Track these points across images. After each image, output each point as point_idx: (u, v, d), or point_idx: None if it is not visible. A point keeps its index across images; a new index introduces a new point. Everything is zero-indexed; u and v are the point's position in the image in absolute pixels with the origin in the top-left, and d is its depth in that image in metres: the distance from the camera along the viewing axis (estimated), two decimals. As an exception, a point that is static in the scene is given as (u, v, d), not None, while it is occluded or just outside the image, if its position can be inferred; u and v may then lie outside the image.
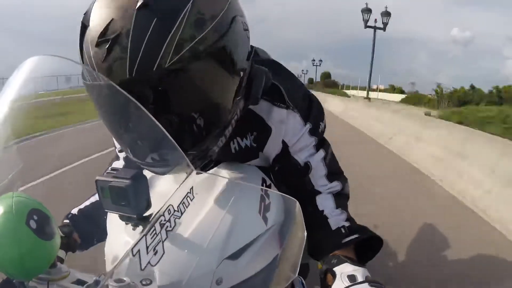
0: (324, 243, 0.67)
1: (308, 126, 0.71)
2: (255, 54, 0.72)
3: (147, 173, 0.65)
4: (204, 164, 0.73)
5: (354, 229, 0.68)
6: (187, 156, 0.52)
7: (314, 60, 50.00)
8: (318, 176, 0.73)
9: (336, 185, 0.73)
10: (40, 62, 0.55)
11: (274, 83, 0.67)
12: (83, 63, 0.49)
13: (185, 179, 0.49)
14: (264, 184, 0.72)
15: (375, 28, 17.21)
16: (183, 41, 0.46)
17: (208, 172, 0.68)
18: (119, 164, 0.81)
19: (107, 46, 0.46)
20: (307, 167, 0.72)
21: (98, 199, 0.76)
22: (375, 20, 17.20)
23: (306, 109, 0.72)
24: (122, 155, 0.81)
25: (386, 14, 17.25)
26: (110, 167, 0.82)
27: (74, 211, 0.76)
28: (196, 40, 0.47)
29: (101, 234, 0.72)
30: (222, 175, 0.69)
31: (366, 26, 17.17)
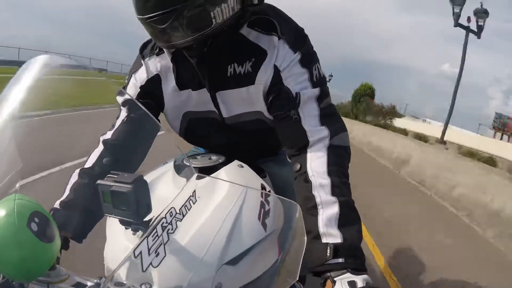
0: (310, 255, 0.61)
1: (298, 55, 0.74)
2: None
3: (148, 177, 0.65)
4: (206, 167, 0.74)
5: (341, 250, 0.60)
6: (192, 38, 0.64)
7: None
8: (309, 113, 0.73)
9: (323, 130, 0.71)
10: (44, 61, 0.55)
11: (271, 19, 0.76)
12: None
13: (187, 182, 0.50)
14: (264, 190, 0.72)
15: (468, 30, 11.17)
16: None
17: (209, 176, 0.68)
18: (98, 150, 0.77)
19: None
20: (298, 97, 0.73)
21: (76, 179, 0.72)
22: (468, 18, 11.05)
23: (296, 42, 0.76)
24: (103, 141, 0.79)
25: (482, 12, 10.75)
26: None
27: (56, 204, 0.70)
28: None
29: (93, 219, 0.69)
30: (223, 179, 0.69)
31: (457, 24, 11.00)
